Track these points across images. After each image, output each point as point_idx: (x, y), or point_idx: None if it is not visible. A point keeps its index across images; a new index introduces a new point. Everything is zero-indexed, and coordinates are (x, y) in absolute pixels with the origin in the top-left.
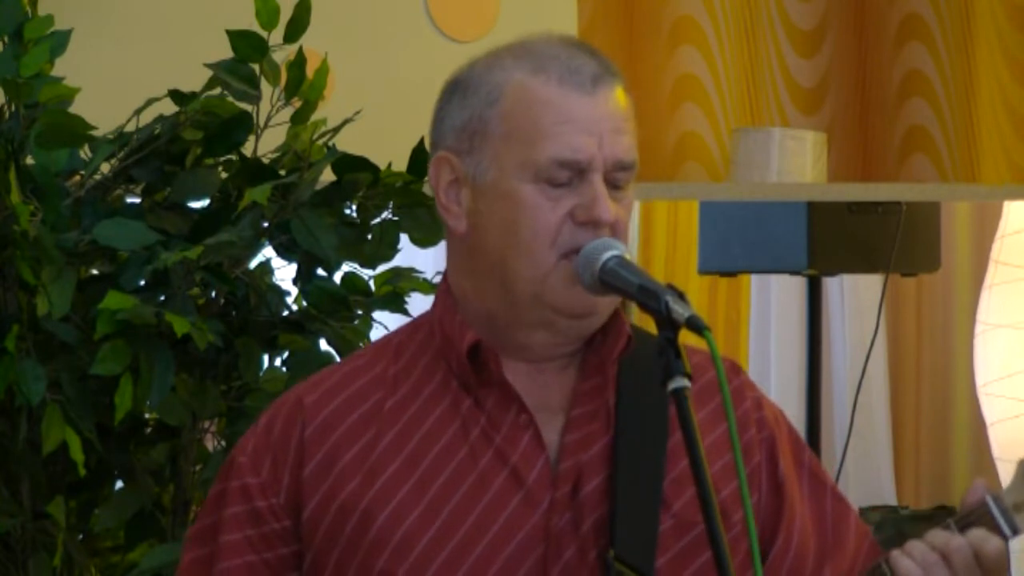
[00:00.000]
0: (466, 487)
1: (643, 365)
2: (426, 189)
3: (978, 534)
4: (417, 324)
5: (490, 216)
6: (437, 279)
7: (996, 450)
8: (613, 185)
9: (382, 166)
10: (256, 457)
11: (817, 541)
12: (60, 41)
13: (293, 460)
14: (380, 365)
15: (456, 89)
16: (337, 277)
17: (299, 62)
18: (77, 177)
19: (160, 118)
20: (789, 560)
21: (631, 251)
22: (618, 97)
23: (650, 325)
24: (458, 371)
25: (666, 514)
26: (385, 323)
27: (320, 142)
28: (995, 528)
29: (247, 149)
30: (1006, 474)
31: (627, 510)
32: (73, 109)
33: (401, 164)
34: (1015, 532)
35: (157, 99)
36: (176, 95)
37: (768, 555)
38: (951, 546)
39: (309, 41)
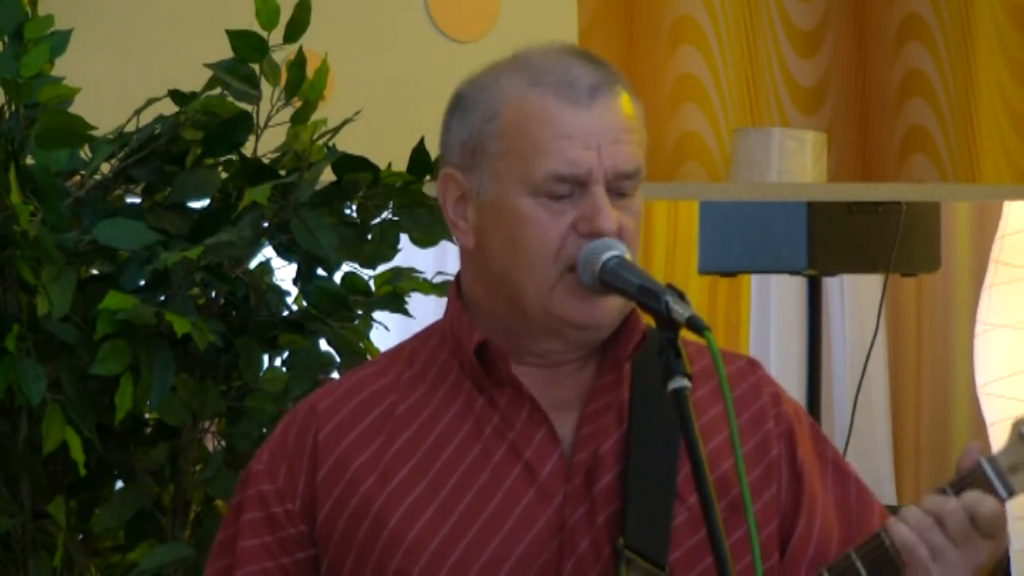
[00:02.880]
0: (479, 483)
1: (656, 363)
2: (426, 189)
3: (973, 496)
4: (431, 330)
5: (494, 232)
6: (437, 279)
7: (996, 450)
8: (618, 193)
9: (382, 166)
10: (272, 464)
11: (841, 529)
12: (60, 41)
13: (307, 465)
14: (393, 371)
15: (458, 105)
16: (337, 277)
17: (299, 62)
18: (77, 177)
19: (160, 118)
20: (812, 547)
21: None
22: (619, 105)
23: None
24: (469, 371)
25: (681, 507)
26: (385, 323)
27: (320, 142)
28: (991, 490)
29: (247, 149)
30: None
31: (641, 503)
32: (73, 109)
33: (401, 164)
34: (1011, 493)
35: (157, 99)
36: (176, 95)
37: (789, 542)
38: (945, 509)
39: (309, 41)
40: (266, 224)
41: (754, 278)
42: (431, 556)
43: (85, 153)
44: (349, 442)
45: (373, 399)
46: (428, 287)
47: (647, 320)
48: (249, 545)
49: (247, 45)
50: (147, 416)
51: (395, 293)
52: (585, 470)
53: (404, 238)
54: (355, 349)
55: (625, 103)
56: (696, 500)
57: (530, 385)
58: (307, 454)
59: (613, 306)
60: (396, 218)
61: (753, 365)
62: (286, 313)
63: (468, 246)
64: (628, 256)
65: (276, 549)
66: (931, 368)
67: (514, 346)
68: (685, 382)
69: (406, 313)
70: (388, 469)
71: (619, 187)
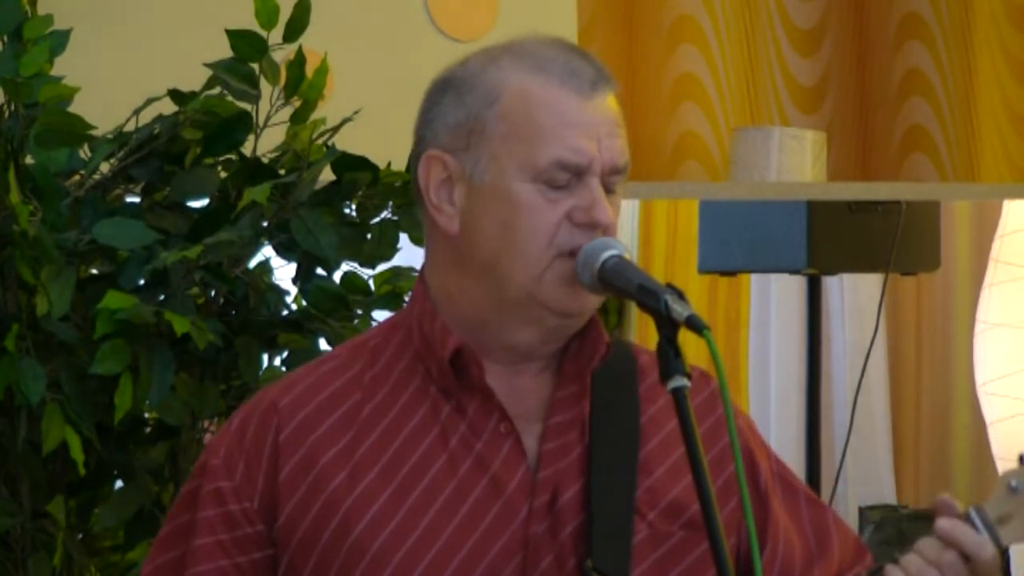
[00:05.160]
0: (445, 496)
1: (614, 374)
2: None
3: (975, 539)
4: (393, 325)
5: (486, 216)
6: None
7: (996, 449)
8: (606, 188)
9: (382, 165)
10: (229, 460)
11: (801, 548)
12: (60, 41)
13: (267, 465)
14: (356, 367)
15: (449, 87)
16: (337, 277)
17: (299, 61)
18: (77, 177)
19: (159, 118)
20: (776, 569)
21: (630, 251)
22: (611, 101)
23: (650, 325)
24: (438, 376)
25: (641, 524)
26: None
27: (320, 141)
28: None
29: (247, 149)
30: None
31: (603, 519)
32: (73, 109)
33: (401, 164)
34: (999, 546)
35: (157, 99)
36: (176, 95)
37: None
38: (944, 560)
39: (309, 41)
40: (265, 224)
41: (754, 278)
42: (396, 566)
43: (84, 153)
44: (314, 440)
45: (337, 396)
46: None
47: (646, 321)
48: (205, 543)
49: (247, 45)
50: (146, 416)
51: (394, 292)
52: (550, 487)
53: (404, 237)
54: None
55: (613, 100)
56: (655, 517)
57: (495, 393)
58: (267, 453)
59: (596, 297)
60: (395, 217)
61: (705, 377)
62: (285, 313)
63: (451, 231)
64: (627, 255)
65: (232, 547)
66: (931, 367)
67: (483, 340)
68: (684, 381)
69: None
70: (356, 470)
71: (609, 182)
